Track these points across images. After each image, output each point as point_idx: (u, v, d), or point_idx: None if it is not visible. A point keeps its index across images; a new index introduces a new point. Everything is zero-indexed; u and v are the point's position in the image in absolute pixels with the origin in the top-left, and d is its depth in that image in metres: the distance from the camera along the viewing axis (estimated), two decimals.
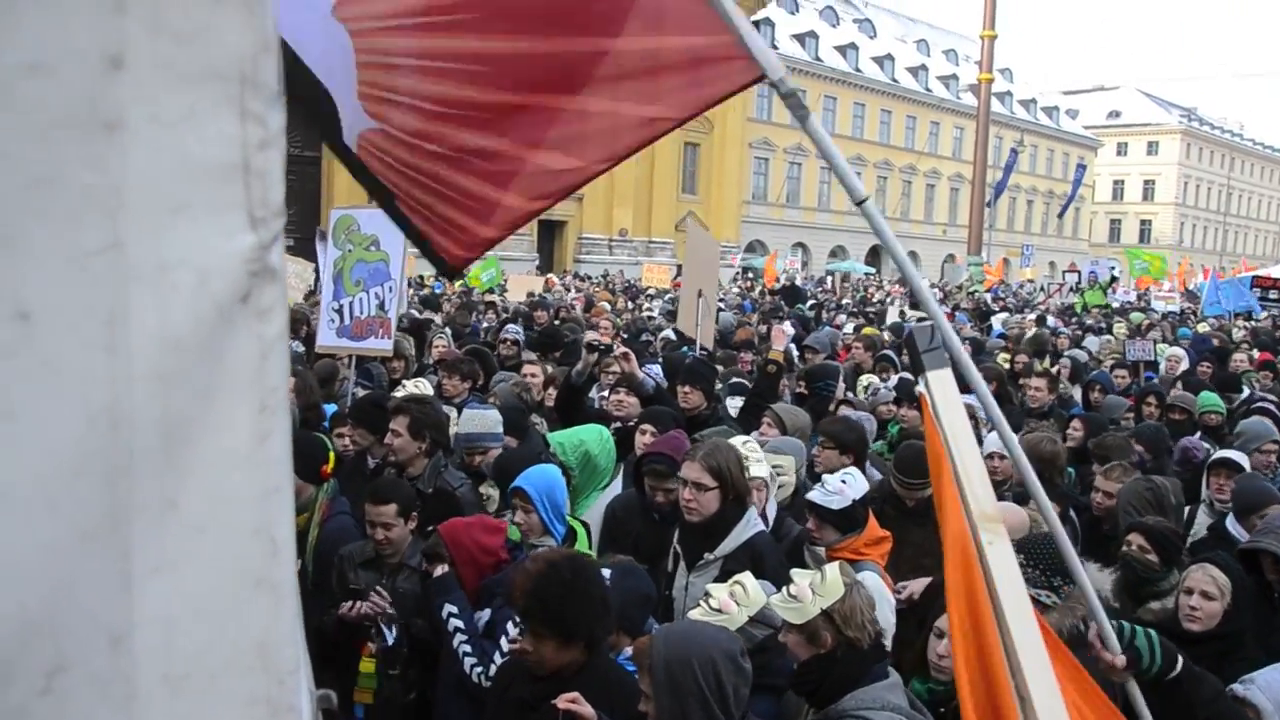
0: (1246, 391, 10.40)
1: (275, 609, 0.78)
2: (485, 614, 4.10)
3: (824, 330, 14.86)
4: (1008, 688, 1.33)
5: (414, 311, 14.63)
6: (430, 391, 6.91)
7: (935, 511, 1.71)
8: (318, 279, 12.74)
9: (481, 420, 5.90)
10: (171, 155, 0.71)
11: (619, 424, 6.57)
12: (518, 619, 3.50)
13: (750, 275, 37.51)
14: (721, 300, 23.68)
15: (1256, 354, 14.16)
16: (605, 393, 7.39)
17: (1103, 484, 5.91)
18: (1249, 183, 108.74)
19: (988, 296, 30.88)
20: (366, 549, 4.63)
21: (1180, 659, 2.88)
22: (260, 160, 0.75)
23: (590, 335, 8.10)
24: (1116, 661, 2.66)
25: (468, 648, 3.99)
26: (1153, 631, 2.89)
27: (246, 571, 0.76)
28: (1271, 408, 8.22)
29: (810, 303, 22.44)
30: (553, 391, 7.76)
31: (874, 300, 27.67)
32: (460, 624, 4.02)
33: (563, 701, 2.96)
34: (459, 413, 6.45)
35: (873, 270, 59.60)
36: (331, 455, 5.48)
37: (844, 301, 23.72)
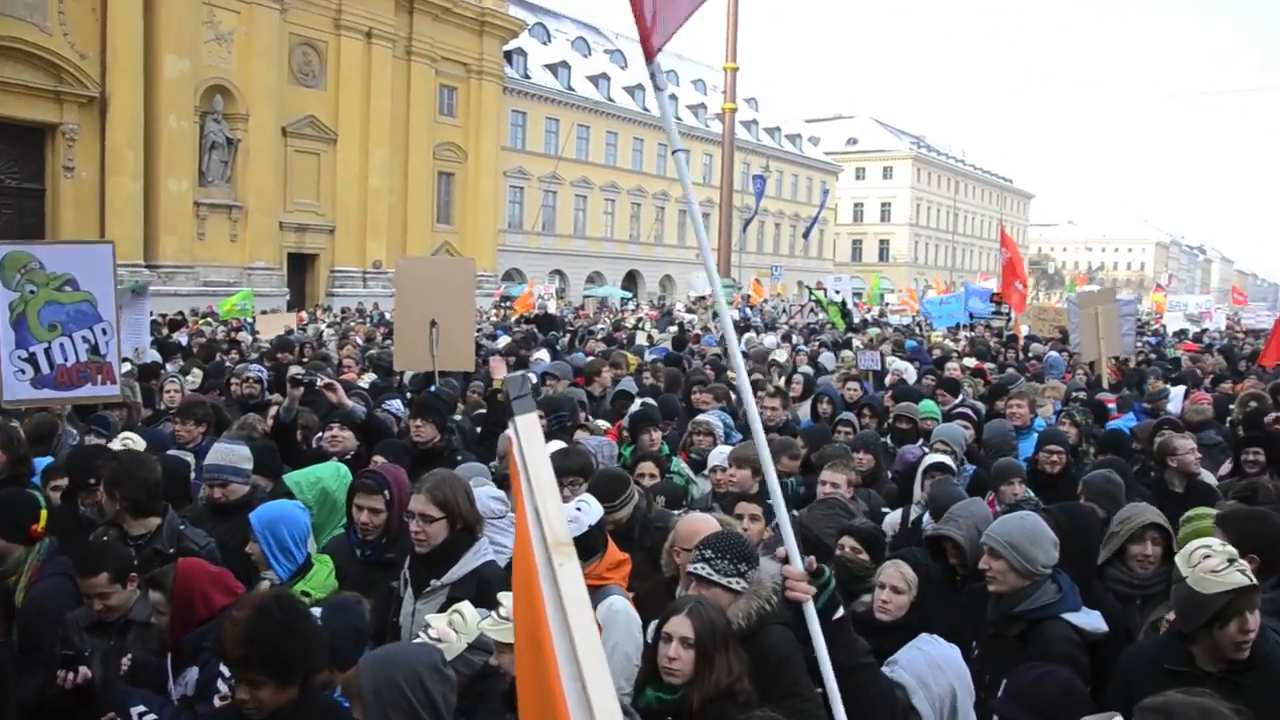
0: (961, 397, 11.19)
1: None
2: (193, 672, 3.97)
3: (574, 357, 15.10)
4: (562, 699, 1.48)
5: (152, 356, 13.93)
6: (140, 445, 6.55)
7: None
8: None
9: (227, 454, 5.73)
10: None
11: (336, 458, 6.55)
12: (227, 672, 3.46)
13: (508, 304, 37.53)
14: (479, 329, 23.73)
15: (973, 362, 15.37)
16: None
17: (828, 475, 6.38)
18: (972, 204, 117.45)
19: (735, 314, 32.05)
20: (91, 612, 4.43)
21: (841, 608, 3.19)
22: None
23: (294, 369, 7.89)
24: (797, 571, 3.11)
25: None
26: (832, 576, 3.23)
27: None
28: (969, 412, 8.93)
29: (568, 329, 22.79)
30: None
31: (627, 325, 28.28)
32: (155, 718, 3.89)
33: None
34: (196, 459, 6.27)
35: (629, 295, 60.80)
36: (44, 513, 5.21)
37: (597, 327, 24.10)
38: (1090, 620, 4.13)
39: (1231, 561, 3.54)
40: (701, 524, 4.55)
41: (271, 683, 3.16)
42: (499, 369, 8.55)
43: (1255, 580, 3.55)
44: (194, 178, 40.48)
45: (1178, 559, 3.72)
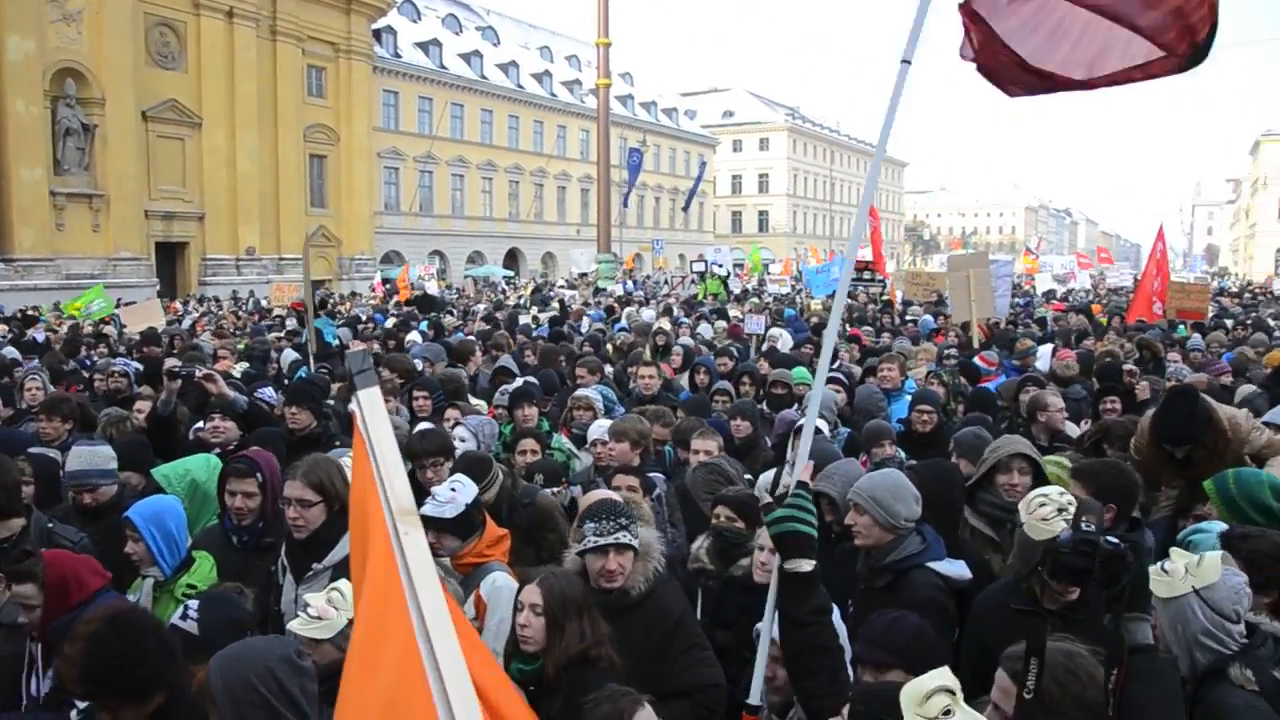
0: (836, 362, 11.43)
1: None
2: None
3: (454, 338, 15.00)
4: (411, 667, 1.52)
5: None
6: None
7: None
8: None
9: (90, 457, 5.54)
10: None
11: (218, 450, 6.42)
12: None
13: (388, 286, 37.05)
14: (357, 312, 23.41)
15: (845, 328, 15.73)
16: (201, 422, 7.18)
17: (699, 444, 6.51)
18: (848, 173, 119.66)
19: (619, 289, 32.21)
20: None
21: (807, 563, 3.17)
22: None
23: (171, 362, 7.70)
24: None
25: None
26: (806, 533, 3.22)
27: None
28: (841, 376, 9.14)
29: (449, 310, 22.59)
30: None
31: (508, 304, 28.15)
32: None
33: None
34: (64, 454, 6.05)
35: (511, 274, 60.46)
36: None
37: (478, 307, 23.96)
38: (954, 568, 4.30)
39: (1060, 511, 3.75)
40: (597, 494, 4.60)
41: (129, 705, 3.03)
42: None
43: None
44: (48, 166, 38.79)
45: (1020, 505, 3.91)
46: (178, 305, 31.23)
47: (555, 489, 6.18)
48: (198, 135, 45.83)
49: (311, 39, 51.58)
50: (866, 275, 27.05)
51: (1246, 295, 35.00)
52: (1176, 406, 5.36)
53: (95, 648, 3.02)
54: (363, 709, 1.61)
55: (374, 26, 57.14)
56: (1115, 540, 2.84)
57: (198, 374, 7.29)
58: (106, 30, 40.35)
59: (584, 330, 17.25)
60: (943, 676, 2.47)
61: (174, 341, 15.11)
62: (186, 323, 23.59)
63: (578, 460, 7.53)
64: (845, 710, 2.61)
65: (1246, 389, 9.18)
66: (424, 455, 5.82)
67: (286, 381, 10.17)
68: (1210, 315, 19.64)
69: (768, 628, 3.31)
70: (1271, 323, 18.84)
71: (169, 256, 46.28)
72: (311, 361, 9.55)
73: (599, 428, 7.15)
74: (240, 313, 27.62)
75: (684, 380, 10.86)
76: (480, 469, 5.47)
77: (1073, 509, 3.83)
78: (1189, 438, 5.19)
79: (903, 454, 6.76)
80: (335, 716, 1.65)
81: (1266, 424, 6.83)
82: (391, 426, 1.73)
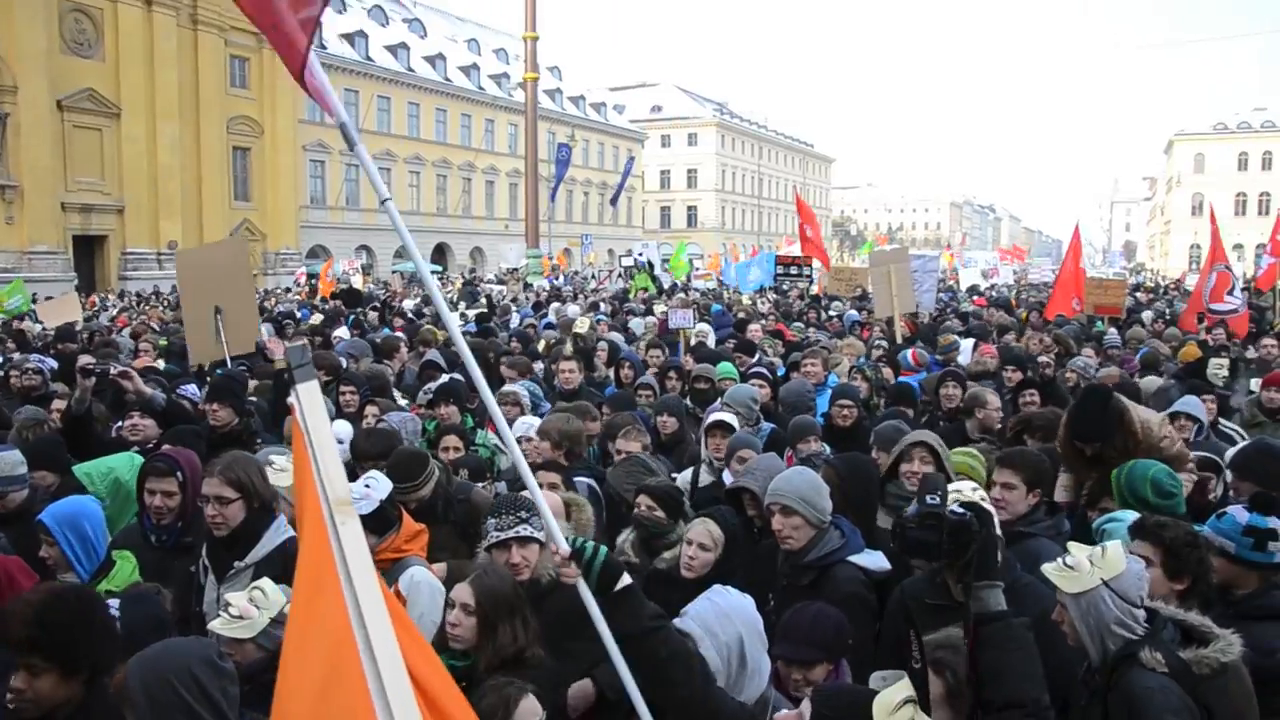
0: (758, 357, 11.52)
1: None
2: None
3: (380, 334, 14.88)
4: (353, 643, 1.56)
5: None
6: None
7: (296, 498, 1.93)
8: None
9: None
10: None
11: (136, 448, 6.33)
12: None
13: (312, 281, 36.58)
14: (280, 307, 23.04)
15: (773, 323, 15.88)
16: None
17: (623, 444, 6.56)
18: (776, 169, 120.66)
19: (546, 284, 32.15)
20: None
21: (625, 577, 3.24)
22: None
23: (84, 359, 7.52)
24: (561, 553, 3.17)
25: None
26: (604, 550, 3.27)
27: None
28: (764, 371, 9.23)
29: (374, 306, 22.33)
30: None
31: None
32: None
33: None
34: None
35: (440, 269, 60.02)
36: None
37: (405, 303, 23.73)
38: (874, 560, 4.39)
39: None
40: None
41: (55, 672, 3.02)
42: (277, 349, 8.49)
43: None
44: None
45: None
46: (95, 299, 30.50)
47: (481, 485, 6.20)
48: (116, 125, 44.83)
49: (234, 28, 50.62)
50: (794, 270, 27.31)
51: (1161, 291, 35.86)
52: (1088, 405, 5.53)
53: (55, 601, 3.09)
54: (298, 694, 1.63)
55: (299, 16, 56.18)
56: (960, 510, 2.89)
57: (112, 371, 7.16)
58: (18, 15, 39.34)
59: (514, 325, 17.21)
60: (906, 688, 2.54)
61: (92, 338, 14.79)
62: (104, 318, 23.07)
63: (504, 456, 7.52)
64: (807, 710, 2.63)
65: (1154, 382, 9.47)
66: (365, 458, 5.82)
67: (208, 378, 10.02)
68: (1125, 310, 20.15)
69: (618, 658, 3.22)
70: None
71: (88, 250, 45.28)
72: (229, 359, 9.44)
73: (525, 424, 7.17)
74: (162, 308, 27.06)
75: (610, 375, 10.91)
76: (416, 465, 5.48)
77: (987, 503, 3.95)
78: (1097, 436, 5.36)
79: (828, 449, 6.84)
80: (274, 703, 1.67)
81: (1177, 413, 7.13)
82: (328, 419, 1.76)
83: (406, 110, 67.37)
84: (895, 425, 6.43)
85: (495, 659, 3.52)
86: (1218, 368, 9.79)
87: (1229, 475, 5.62)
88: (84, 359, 7.76)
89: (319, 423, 1.77)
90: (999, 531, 3.87)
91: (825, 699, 2.65)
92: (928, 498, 2.90)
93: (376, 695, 1.57)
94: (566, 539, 3.24)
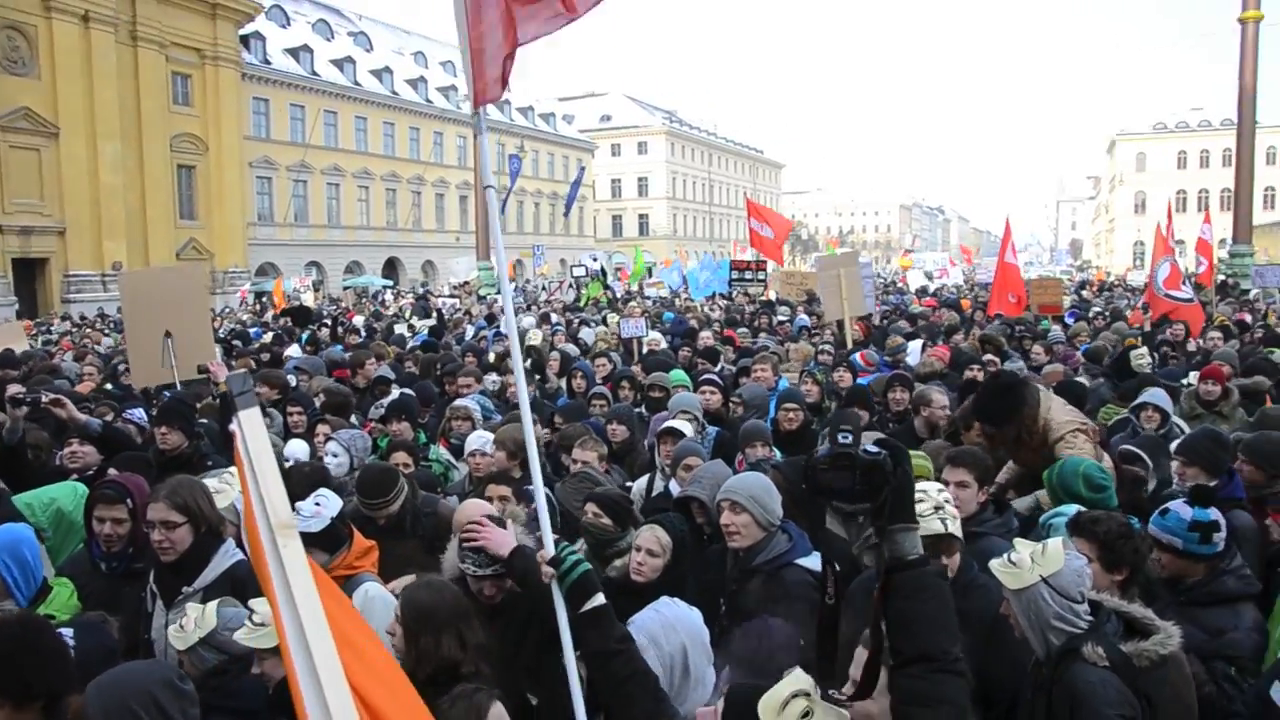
0: (720, 365, 11.59)
1: None
2: None
3: (332, 350, 14.78)
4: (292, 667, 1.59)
5: None
6: None
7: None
8: None
9: None
10: None
11: (76, 476, 6.24)
12: None
13: (264, 299, 36.23)
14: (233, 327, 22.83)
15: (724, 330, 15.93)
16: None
17: (579, 454, 6.59)
18: (726, 175, 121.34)
19: (498, 296, 32.04)
20: None
21: (599, 597, 3.32)
22: None
23: (13, 389, 7.37)
24: (544, 554, 3.40)
25: None
26: (585, 567, 3.39)
27: None
28: (714, 377, 9.28)
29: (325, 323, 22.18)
30: None
31: (388, 314, 27.80)
32: None
33: None
34: None
35: (390, 283, 59.64)
36: None
37: (356, 320, 23.59)
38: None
39: (937, 509, 3.90)
40: (473, 509, 4.59)
41: (7, 705, 2.97)
42: (220, 372, 8.45)
43: (953, 530, 3.96)
44: None
45: None
46: (31, 324, 29.87)
47: (443, 498, 6.21)
48: (55, 145, 44.09)
49: (175, 45, 50.15)
50: (749, 275, 27.43)
51: (1104, 288, 36.39)
52: (989, 391, 5.90)
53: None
54: None
55: (241, 32, 55.87)
56: (873, 449, 2.61)
57: (44, 399, 7.03)
58: None
59: (468, 338, 17.17)
60: (796, 681, 2.48)
61: (29, 365, 14.51)
62: (40, 343, 22.70)
63: (456, 471, 7.51)
64: (720, 706, 2.62)
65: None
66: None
67: (154, 401, 9.91)
68: (1068, 308, 20.51)
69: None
70: (1128, 313, 19.65)
71: (28, 274, 44.49)
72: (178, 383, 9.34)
73: (477, 438, 7.16)
74: (107, 331, 26.68)
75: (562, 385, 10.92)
76: (386, 481, 5.48)
77: (950, 506, 4.00)
78: (991, 420, 5.71)
79: (779, 454, 6.88)
80: None
81: (1144, 404, 7.33)
82: (270, 443, 1.78)
83: (354, 124, 66.97)
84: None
85: (420, 673, 3.45)
86: (1139, 358, 10.09)
87: (1175, 463, 5.74)
88: (13, 388, 7.62)
89: (260, 447, 1.80)
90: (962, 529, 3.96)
91: (734, 695, 2.62)
92: (839, 436, 2.62)
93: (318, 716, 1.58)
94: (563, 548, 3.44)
